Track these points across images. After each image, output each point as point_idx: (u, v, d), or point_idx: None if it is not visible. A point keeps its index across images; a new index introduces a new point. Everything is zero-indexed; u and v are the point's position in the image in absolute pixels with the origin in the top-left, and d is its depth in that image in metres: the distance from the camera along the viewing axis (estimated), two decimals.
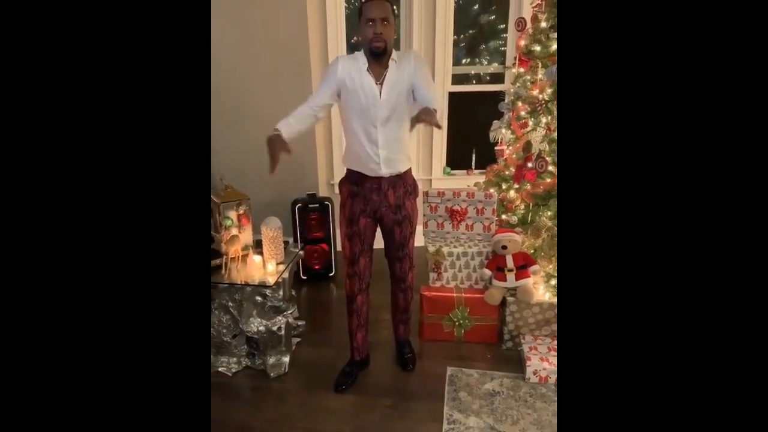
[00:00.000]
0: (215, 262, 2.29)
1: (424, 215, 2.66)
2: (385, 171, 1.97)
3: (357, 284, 2.14)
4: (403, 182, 2.03)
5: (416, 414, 2.02)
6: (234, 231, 2.36)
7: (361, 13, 1.85)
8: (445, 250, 2.53)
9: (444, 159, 3.69)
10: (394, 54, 1.91)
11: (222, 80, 2.95)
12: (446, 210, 2.63)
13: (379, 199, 2.02)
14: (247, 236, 2.41)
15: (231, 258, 2.34)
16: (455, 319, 2.48)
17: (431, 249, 2.55)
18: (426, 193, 2.65)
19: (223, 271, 2.28)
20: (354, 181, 2.04)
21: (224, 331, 2.30)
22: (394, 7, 1.89)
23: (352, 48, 3.59)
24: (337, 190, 2.27)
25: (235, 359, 2.33)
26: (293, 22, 3.07)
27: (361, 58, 1.90)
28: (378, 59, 1.87)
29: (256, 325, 2.26)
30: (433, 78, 3.43)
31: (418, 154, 3.65)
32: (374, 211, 2.05)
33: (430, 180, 3.69)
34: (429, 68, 1.97)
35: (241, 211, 2.39)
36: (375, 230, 2.10)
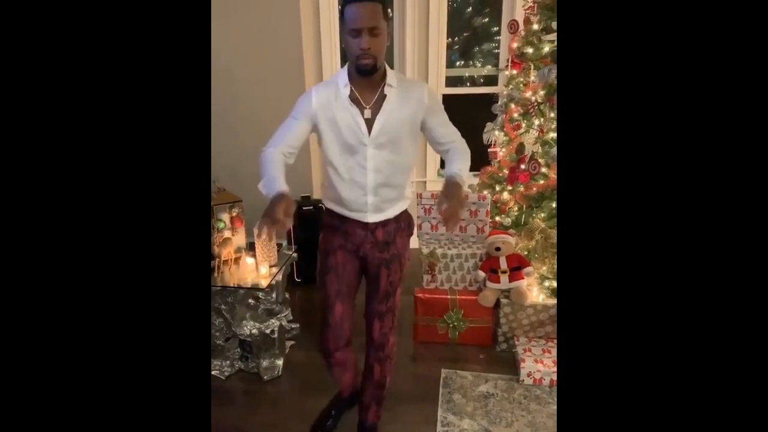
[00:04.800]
0: (212, 263, 2.28)
1: (418, 217, 2.66)
2: (372, 218, 1.56)
3: (332, 341, 1.69)
4: (395, 219, 1.61)
5: (410, 416, 2.02)
6: (227, 233, 2.35)
7: (342, 18, 1.35)
8: (439, 252, 2.52)
9: (438, 161, 3.70)
10: (393, 76, 1.46)
11: (215, 81, 2.94)
12: (440, 212, 2.63)
13: (365, 233, 1.59)
14: (240, 239, 2.40)
15: (224, 260, 2.32)
16: (449, 321, 2.48)
17: (425, 251, 2.55)
18: (420, 195, 2.65)
19: (215, 274, 2.27)
20: (334, 215, 1.64)
21: (217, 334, 2.29)
22: (389, 9, 1.56)
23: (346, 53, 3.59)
24: None
25: (228, 362, 2.32)
26: (287, 23, 3.07)
27: (341, 80, 1.45)
28: (367, 78, 1.42)
29: (249, 328, 2.25)
30: (426, 81, 3.45)
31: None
32: (356, 247, 1.61)
33: (425, 182, 3.70)
34: (441, 104, 1.55)
35: (234, 214, 2.38)
36: (357, 270, 1.66)
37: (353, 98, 1.45)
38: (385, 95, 1.45)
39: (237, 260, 2.35)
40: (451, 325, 2.49)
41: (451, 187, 1.42)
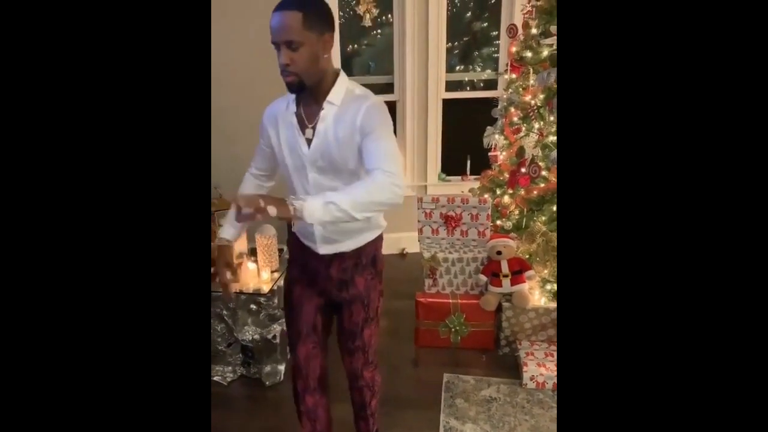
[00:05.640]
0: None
1: (419, 221, 2.66)
2: (324, 250, 1.41)
3: (300, 382, 1.53)
4: (355, 254, 1.42)
5: (412, 422, 2.01)
6: None
7: None
8: (440, 256, 2.52)
9: (439, 165, 3.70)
10: (339, 93, 1.28)
11: (215, 87, 2.95)
12: (441, 216, 2.64)
13: (319, 266, 1.44)
14: (241, 244, 2.40)
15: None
16: (451, 326, 2.48)
17: (426, 255, 2.54)
18: (420, 200, 2.65)
19: (217, 280, 2.27)
20: (295, 242, 1.51)
21: (219, 339, 2.29)
22: (323, 16, 1.21)
23: (347, 59, 3.60)
24: None
25: (230, 368, 2.32)
26: None
27: (290, 96, 1.33)
28: (309, 94, 1.29)
29: (251, 333, 2.25)
30: (426, 86, 3.45)
31: (412, 160, 3.66)
32: (312, 281, 1.47)
33: (425, 186, 3.70)
34: (387, 122, 1.27)
35: None
36: (318, 307, 1.49)
37: (298, 116, 1.32)
38: (321, 114, 1.28)
39: (239, 266, 2.35)
40: (452, 330, 2.49)
41: (279, 200, 1.10)
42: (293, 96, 1.32)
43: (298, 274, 1.51)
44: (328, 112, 1.28)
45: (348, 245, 1.40)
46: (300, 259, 1.49)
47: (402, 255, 3.70)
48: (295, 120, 1.32)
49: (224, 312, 2.25)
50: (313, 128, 1.30)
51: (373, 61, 3.83)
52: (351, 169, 1.30)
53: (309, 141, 1.30)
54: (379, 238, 1.48)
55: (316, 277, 1.46)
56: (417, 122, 3.58)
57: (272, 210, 1.08)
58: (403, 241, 3.60)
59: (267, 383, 2.26)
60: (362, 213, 1.13)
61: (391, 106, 3.62)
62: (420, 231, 2.69)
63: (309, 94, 1.29)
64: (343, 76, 1.31)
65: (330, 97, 1.28)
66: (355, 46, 3.72)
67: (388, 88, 3.63)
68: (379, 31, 3.72)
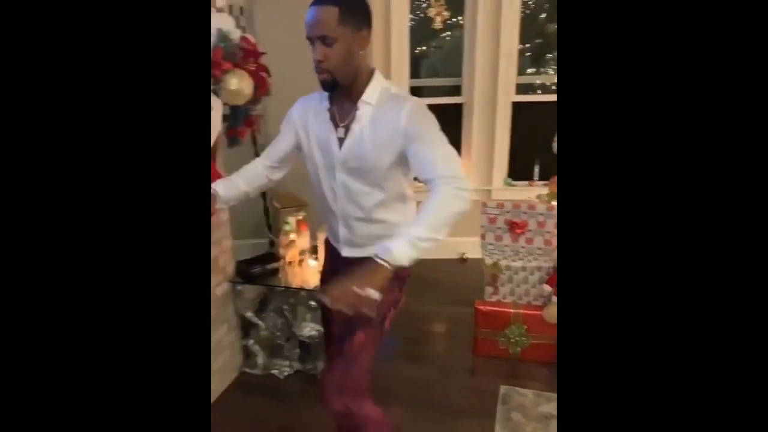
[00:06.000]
0: (273, 265, 2.35)
1: (481, 226, 2.59)
2: (347, 252, 1.37)
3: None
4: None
5: (466, 431, 1.96)
6: (292, 236, 2.41)
7: None
8: (502, 263, 2.45)
9: (506, 169, 3.60)
10: (374, 92, 1.22)
11: (286, 82, 3.04)
12: (505, 222, 2.55)
13: (343, 271, 1.28)
14: (304, 241, 2.45)
15: (288, 262, 2.39)
16: (511, 336, 2.39)
17: (488, 262, 2.48)
18: (484, 204, 2.59)
19: (279, 275, 2.33)
20: (327, 240, 1.50)
21: (278, 333, 2.35)
22: (360, 12, 1.17)
23: (414, 61, 3.59)
24: None
25: (287, 362, 2.37)
26: None
27: (324, 92, 1.27)
28: (344, 93, 1.24)
29: (309, 329, 2.29)
30: (495, 89, 3.37)
31: (477, 164, 3.59)
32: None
33: (489, 190, 3.61)
34: (434, 123, 1.21)
35: (300, 217, 2.44)
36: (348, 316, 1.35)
37: (331, 113, 1.28)
38: (356, 111, 1.23)
39: (301, 262, 2.40)
40: (512, 340, 2.40)
41: (368, 271, 1.07)
42: (323, 93, 1.28)
43: (327, 275, 1.48)
44: (363, 112, 1.23)
45: (371, 250, 1.25)
46: (329, 260, 1.48)
47: (462, 260, 3.63)
48: (328, 117, 1.28)
49: (284, 307, 2.31)
50: (346, 128, 1.25)
51: (441, 63, 3.79)
52: (382, 172, 1.24)
53: (341, 140, 1.26)
54: None
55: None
56: (484, 125, 3.51)
57: (374, 293, 1.06)
58: (463, 245, 3.53)
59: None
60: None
61: (457, 109, 3.57)
62: (482, 236, 2.62)
63: (342, 92, 1.23)
64: (378, 74, 1.25)
65: (365, 96, 1.23)
66: (424, 48, 3.70)
67: (454, 90, 3.59)
68: (449, 33, 3.68)
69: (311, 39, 1.16)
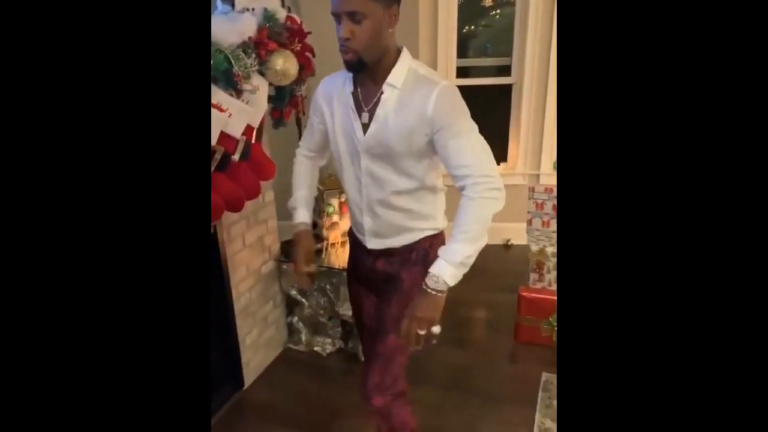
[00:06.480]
0: (316, 246, 2.39)
1: (528, 212, 2.53)
2: (372, 244, 1.32)
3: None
4: (405, 250, 1.30)
5: (506, 418, 1.94)
6: (335, 218, 2.44)
7: None
8: (549, 250, 2.38)
9: (554, 153, 3.48)
10: (401, 73, 1.15)
11: (330, 62, 3.04)
12: (553, 208, 2.48)
13: (368, 261, 1.35)
14: (346, 223, 2.47)
15: (331, 243, 2.42)
16: (554, 324, 2.34)
17: (534, 248, 2.42)
18: (532, 189, 2.52)
19: (323, 256, 2.37)
20: (351, 233, 1.44)
21: (321, 312, 2.39)
22: None
23: (462, 41, 3.50)
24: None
25: (330, 340, 2.42)
26: (403, 9, 3.07)
27: (348, 73, 1.20)
28: (369, 74, 1.16)
29: (351, 309, 2.32)
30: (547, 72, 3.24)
31: (525, 147, 3.48)
32: (363, 277, 1.40)
33: (538, 175, 3.51)
34: (464, 110, 1.14)
35: (343, 199, 2.46)
36: (375, 305, 1.41)
37: (355, 96, 1.20)
38: (381, 94, 1.16)
39: (343, 244, 2.43)
40: (555, 328, 2.35)
41: (423, 307, 1.10)
42: (347, 74, 1.20)
43: (351, 268, 1.46)
44: (389, 95, 1.15)
45: (397, 241, 1.28)
46: (353, 252, 1.43)
47: (506, 246, 3.56)
48: (351, 101, 1.20)
49: (328, 286, 2.35)
50: (370, 112, 1.18)
51: (491, 42, 3.68)
52: (410, 160, 1.18)
53: (365, 126, 1.19)
54: (435, 237, 1.31)
55: (365, 273, 1.38)
56: (534, 107, 3.39)
57: (436, 328, 1.13)
58: (507, 231, 3.46)
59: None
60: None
61: (507, 89, 3.47)
62: (529, 222, 2.55)
63: (368, 73, 1.15)
64: (405, 54, 1.17)
65: (391, 78, 1.15)
66: (472, 27, 3.60)
67: (503, 70, 3.48)
68: (498, 11, 3.56)
69: (337, 15, 1.08)
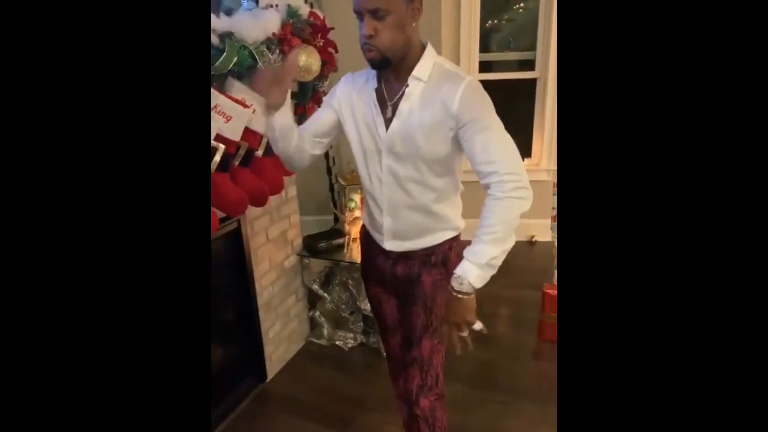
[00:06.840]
0: (338, 241, 2.40)
1: (552, 208, 2.49)
2: (390, 246, 1.28)
3: (391, 365, 1.50)
4: (425, 252, 1.27)
5: (528, 415, 1.92)
6: (357, 213, 2.45)
7: None
8: None
9: None
10: (426, 67, 1.13)
11: (353, 58, 3.05)
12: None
13: (385, 263, 1.32)
14: None
15: (353, 238, 2.43)
16: None
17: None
18: (556, 185, 2.48)
19: (345, 250, 2.38)
20: (366, 232, 1.39)
21: (343, 306, 2.41)
22: None
23: (485, 35, 3.46)
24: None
25: (351, 335, 2.43)
26: (426, 3, 3.05)
27: (372, 70, 1.18)
28: (393, 69, 1.13)
29: None
30: None
31: (549, 142, 3.44)
32: (381, 278, 1.36)
33: None
34: (489, 106, 1.11)
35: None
36: (396, 306, 1.39)
37: (379, 92, 1.17)
38: (406, 88, 1.13)
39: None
40: None
41: (456, 311, 1.12)
42: (371, 71, 1.18)
43: (366, 270, 1.41)
44: (413, 88, 1.12)
45: (417, 243, 1.26)
46: (368, 253, 1.38)
47: (530, 243, 3.52)
48: (375, 97, 1.17)
49: (349, 281, 2.36)
50: (393, 107, 1.15)
51: (514, 36, 3.63)
52: (433, 158, 1.15)
53: (388, 121, 1.16)
54: (455, 239, 1.29)
55: (383, 276, 1.34)
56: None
57: (478, 325, 1.16)
58: (532, 228, 3.42)
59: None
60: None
61: (531, 84, 3.42)
62: (553, 219, 2.52)
63: (392, 69, 1.13)
64: (430, 49, 1.15)
65: (416, 71, 1.12)
66: (495, 21, 3.56)
67: (527, 64, 3.43)
68: (521, 4, 3.51)
69: (359, 12, 1.06)
